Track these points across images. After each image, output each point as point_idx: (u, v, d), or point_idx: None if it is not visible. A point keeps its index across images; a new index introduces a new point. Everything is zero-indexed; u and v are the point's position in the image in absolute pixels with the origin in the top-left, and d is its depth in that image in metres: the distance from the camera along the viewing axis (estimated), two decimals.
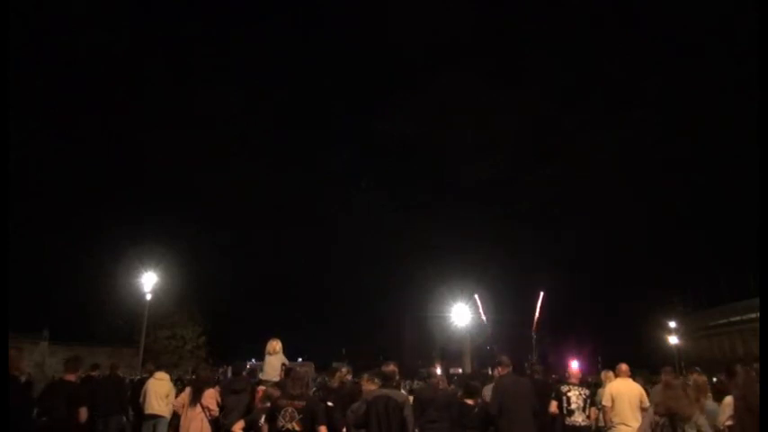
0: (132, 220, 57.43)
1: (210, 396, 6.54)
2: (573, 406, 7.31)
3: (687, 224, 78.81)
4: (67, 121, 70.71)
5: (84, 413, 6.65)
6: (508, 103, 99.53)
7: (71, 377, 6.87)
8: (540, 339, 45.11)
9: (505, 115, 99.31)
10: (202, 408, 6.43)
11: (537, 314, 44.58)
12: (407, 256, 68.33)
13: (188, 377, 18.48)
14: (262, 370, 7.93)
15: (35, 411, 6.47)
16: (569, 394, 7.39)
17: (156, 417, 8.75)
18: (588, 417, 7.35)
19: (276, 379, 7.11)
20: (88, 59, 77.84)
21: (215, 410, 6.52)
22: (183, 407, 6.54)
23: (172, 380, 10.20)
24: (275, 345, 7.44)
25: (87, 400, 6.90)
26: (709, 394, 7.25)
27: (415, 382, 21.98)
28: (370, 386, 5.96)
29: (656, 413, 4.94)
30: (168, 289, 31.18)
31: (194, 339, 38.10)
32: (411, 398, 6.32)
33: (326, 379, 8.70)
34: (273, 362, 7.28)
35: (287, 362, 7.38)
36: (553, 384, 8.48)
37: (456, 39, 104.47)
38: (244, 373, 7.62)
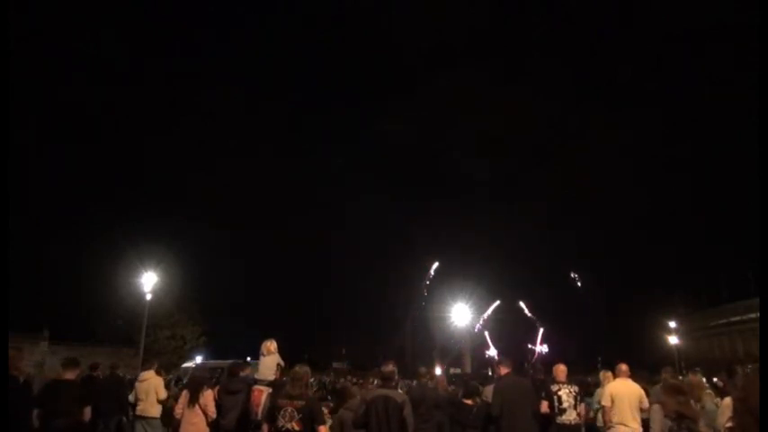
0: (132, 219, 57.44)
1: (209, 397, 6.55)
2: (564, 404, 7.28)
3: (687, 224, 78.99)
4: (68, 121, 70.82)
5: (88, 412, 6.65)
6: (508, 103, 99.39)
7: (71, 376, 6.84)
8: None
9: (505, 115, 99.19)
10: (201, 409, 6.44)
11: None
12: (408, 256, 68.17)
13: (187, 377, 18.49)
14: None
15: (35, 411, 6.45)
16: (559, 393, 7.37)
17: (145, 417, 8.74)
18: (579, 414, 7.33)
19: (271, 378, 7.14)
20: (88, 59, 77.94)
21: (213, 411, 6.52)
22: (182, 409, 6.55)
23: (171, 380, 10.19)
24: (270, 346, 7.51)
25: (90, 400, 6.87)
26: (709, 391, 7.25)
27: (414, 382, 21.95)
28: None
29: (666, 415, 5.14)
30: (168, 289, 31.21)
31: (194, 339, 38.11)
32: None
33: (326, 382, 8.71)
34: (268, 362, 7.36)
35: (282, 362, 7.43)
36: (544, 383, 8.47)
37: (456, 39, 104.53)
38: (241, 374, 7.63)
